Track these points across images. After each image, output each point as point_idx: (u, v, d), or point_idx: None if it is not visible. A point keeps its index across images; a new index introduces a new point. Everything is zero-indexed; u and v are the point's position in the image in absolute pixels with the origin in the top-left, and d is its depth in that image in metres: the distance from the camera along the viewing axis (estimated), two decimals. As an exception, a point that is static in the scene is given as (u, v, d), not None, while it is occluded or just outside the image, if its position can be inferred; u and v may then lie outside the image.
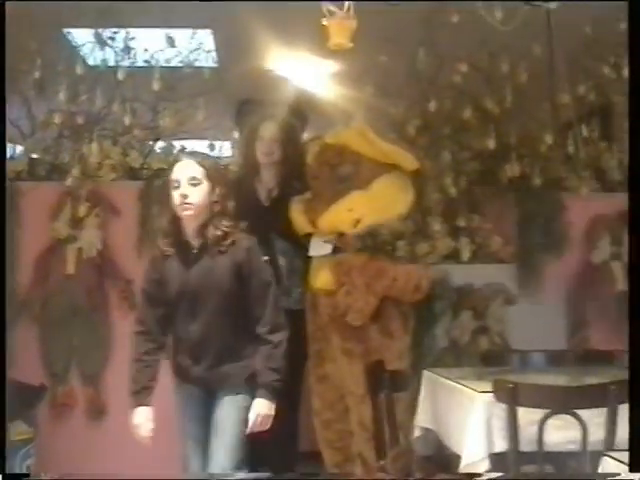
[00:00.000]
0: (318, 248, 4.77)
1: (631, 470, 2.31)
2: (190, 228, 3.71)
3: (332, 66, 6.02)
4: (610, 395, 3.37)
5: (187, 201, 3.63)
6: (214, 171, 3.77)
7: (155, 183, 5.27)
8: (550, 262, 5.70)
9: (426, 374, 4.39)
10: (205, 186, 3.68)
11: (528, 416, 3.42)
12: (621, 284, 5.73)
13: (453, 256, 5.57)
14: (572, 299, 5.77)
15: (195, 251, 3.70)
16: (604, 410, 3.38)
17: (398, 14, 4.41)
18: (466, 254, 5.53)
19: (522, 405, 3.43)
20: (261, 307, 3.68)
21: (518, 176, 5.68)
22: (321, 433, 4.83)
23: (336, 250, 4.75)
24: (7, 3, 3.56)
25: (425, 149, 5.63)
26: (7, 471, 2.46)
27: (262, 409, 3.67)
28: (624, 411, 3.09)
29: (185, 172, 3.69)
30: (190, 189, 3.64)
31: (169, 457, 4.07)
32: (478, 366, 4.69)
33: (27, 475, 2.33)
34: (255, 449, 4.79)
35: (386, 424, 3.98)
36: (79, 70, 5.33)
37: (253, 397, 3.68)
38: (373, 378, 4.13)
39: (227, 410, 3.71)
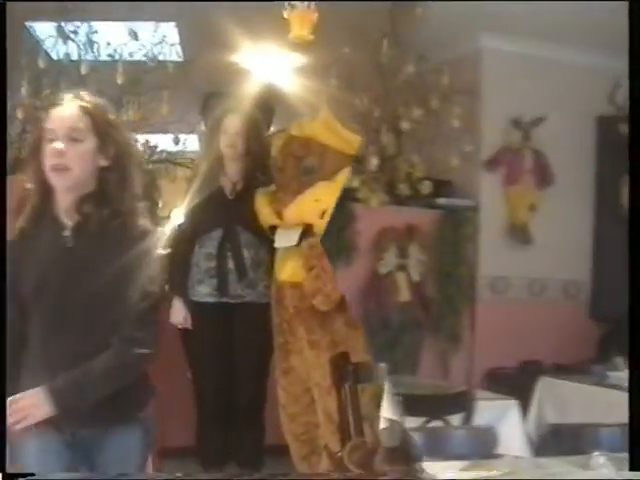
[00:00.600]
0: (284, 239, 4.79)
1: (631, 470, 2.33)
2: (64, 201, 2.61)
3: (297, 59, 6.04)
4: None
5: (62, 161, 2.54)
6: (107, 124, 2.63)
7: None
8: (339, 270, 5.79)
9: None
10: (92, 143, 2.58)
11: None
12: (404, 295, 6.00)
13: None
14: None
15: (67, 234, 2.60)
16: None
17: (362, 6, 4.44)
18: None
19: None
20: (137, 322, 2.59)
21: None
22: (287, 426, 4.85)
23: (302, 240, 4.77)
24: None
25: None
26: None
27: (35, 397, 2.48)
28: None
29: (64, 120, 2.57)
30: (69, 145, 2.55)
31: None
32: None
33: (27, 475, 2.26)
34: (222, 444, 4.82)
35: (351, 416, 4.01)
36: (42, 64, 5.31)
37: (146, 429, 2.68)
38: (338, 370, 4.15)
39: (113, 450, 2.63)
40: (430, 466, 2.66)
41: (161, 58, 5.69)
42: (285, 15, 4.21)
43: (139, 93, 5.40)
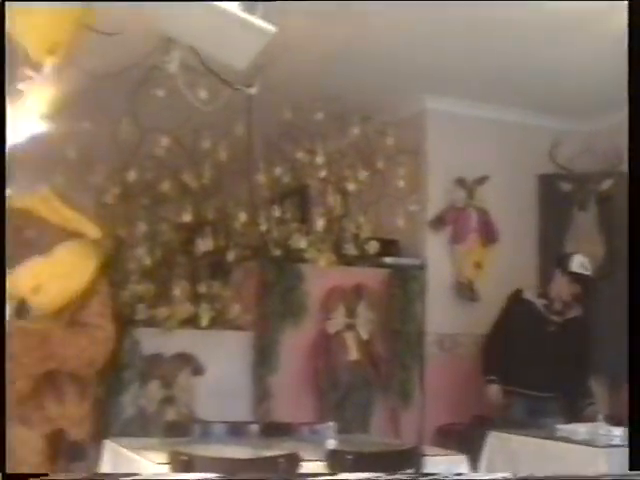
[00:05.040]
0: None
1: (631, 469, 2.36)
2: None
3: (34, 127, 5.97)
4: (279, 468, 3.52)
5: None
6: None
7: None
8: (287, 330, 5.97)
9: (108, 444, 4.34)
10: None
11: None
12: (354, 354, 6.12)
13: (192, 321, 5.69)
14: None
15: None
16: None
17: (104, 82, 4.48)
18: (205, 320, 5.64)
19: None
20: None
21: (212, 250, 5.89)
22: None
23: (18, 316, 4.67)
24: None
25: (123, 218, 5.82)
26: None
27: None
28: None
29: None
30: None
31: None
32: (163, 436, 4.61)
33: (27, 475, 2.29)
34: None
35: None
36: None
37: None
38: (51, 447, 4.11)
39: None
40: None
41: None
42: (20, 87, 4.13)
43: None
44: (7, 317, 4.57)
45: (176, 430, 4.60)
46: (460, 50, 5.68)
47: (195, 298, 5.69)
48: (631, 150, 3.08)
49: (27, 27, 3.75)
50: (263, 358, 5.88)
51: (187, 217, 5.87)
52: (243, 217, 5.90)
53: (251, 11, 3.66)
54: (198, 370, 5.62)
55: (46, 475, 2.30)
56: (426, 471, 3.83)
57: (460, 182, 6.74)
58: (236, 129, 5.76)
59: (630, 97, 2.85)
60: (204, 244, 5.85)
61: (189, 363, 5.60)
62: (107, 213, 5.63)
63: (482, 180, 6.74)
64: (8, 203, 4.86)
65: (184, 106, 4.49)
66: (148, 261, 5.70)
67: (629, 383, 2.67)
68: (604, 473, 3.07)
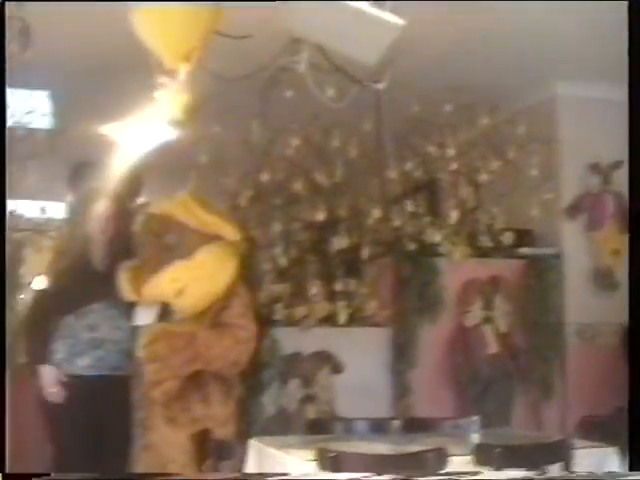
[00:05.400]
0: (142, 317, 4.81)
1: (631, 470, 2.32)
2: None
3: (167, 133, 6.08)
4: (428, 462, 3.50)
5: None
6: None
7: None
8: (425, 325, 5.94)
9: (252, 443, 4.32)
10: None
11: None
12: (492, 347, 6.05)
13: (330, 319, 5.70)
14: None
15: None
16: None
17: (233, 86, 4.48)
18: (343, 317, 5.66)
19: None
20: None
21: (346, 248, 5.86)
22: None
23: (162, 319, 4.75)
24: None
25: (256, 219, 5.83)
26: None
27: None
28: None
29: None
30: None
31: None
32: (305, 434, 4.63)
33: (27, 475, 2.35)
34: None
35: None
36: None
37: None
38: (198, 447, 4.13)
39: None
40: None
41: (31, 127, 5.67)
42: (156, 95, 4.17)
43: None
44: (151, 321, 4.73)
45: (317, 428, 4.64)
46: (588, 32, 5.56)
47: (331, 296, 5.74)
48: (631, 150, 2.99)
49: (162, 36, 3.85)
50: (401, 354, 5.90)
51: (320, 216, 5.90)
52: (376, 213, 5.91)
53: (380, 6, 3.67)
54: (337, 368, 5.67)
55: (48, 475, 2.32)
56: (575, 463, 3.75)
57: (595, 167, 6.61)
58: (365, 126, 5.78)
59: (630, 96, 2.75)
60: (338, 242, 5.88)
61: (328, 361, 5.65)
62: (241, 215, 5.69)
63: (618, 164, 6.56)
64: (147, 209, 5.07)
65: (313, 105, 4.50)
66: (284, 261, 5.77)
67: (629, 383, 2.57)
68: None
